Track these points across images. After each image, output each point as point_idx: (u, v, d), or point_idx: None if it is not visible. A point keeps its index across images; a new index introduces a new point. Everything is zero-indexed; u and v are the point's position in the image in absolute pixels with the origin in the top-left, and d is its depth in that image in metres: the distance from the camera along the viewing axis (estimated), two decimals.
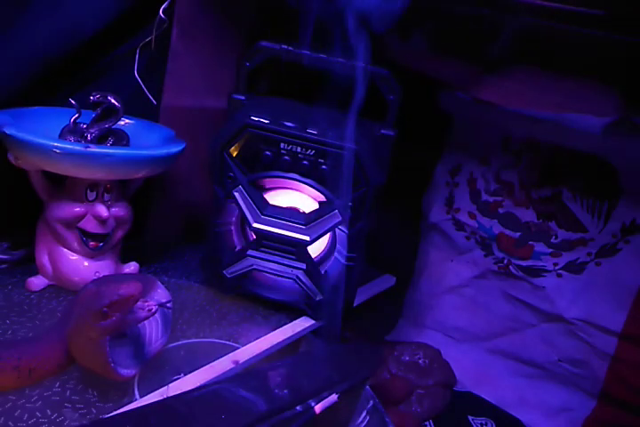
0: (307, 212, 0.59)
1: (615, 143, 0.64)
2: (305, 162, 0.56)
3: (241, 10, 0.71)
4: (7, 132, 0.50)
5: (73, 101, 0.56)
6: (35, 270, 0.59)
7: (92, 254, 0.58)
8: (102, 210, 0.55)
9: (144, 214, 0.71)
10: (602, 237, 0.68)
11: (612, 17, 0.53)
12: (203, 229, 0.63)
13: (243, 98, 0.58)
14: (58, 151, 0.49)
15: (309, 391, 0.42)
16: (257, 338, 0.57)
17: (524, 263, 0.74)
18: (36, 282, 0.58)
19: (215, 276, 0.63)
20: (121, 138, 0.59)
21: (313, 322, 0.62)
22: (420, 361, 0.78)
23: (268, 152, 0.56)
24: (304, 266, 0.60)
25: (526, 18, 0.63)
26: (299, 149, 0.55)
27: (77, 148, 0.50)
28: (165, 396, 0.45)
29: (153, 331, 0.49)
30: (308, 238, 0.58)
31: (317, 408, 0.41)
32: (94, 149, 0.51)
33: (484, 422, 0.74)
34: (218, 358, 0.52)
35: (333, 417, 0.47)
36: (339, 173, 0.56)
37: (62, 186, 0.57)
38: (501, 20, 0.68)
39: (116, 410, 0.44)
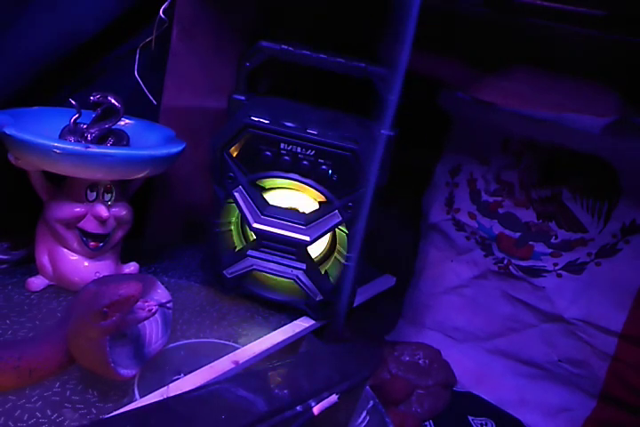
0: (307, 212, 0.59)
1: (615, 143, 0.64)
2: (305, 162, 0.56)
3: (241, 10, 0.71)
4: (7, 132, 0.50)
5: (73, 101, 0.56)
6: (35, 270, 0.59)
7: (92, 254, 0.58)
8: (102, 210, 0.55)
9: (144, 214, 0.71)
10: (602, 238, 0.68)
11: (611, 17, 0.53)
12: (203, 229, 0.63)
13: (243, 98, 0.58)
14: (58, 151, 0.49)
15: (309, 391, 0.42)
16: (257, 338, 0.57)
17: (523, 263, 0.74)
18: (36, 282, 0.58)
19: (215, 276, 0.63)
20: (121, 138, 0.59)
21: (313, 322, 0.62)
22: (420, 361, 0.78)
23: (268, 152, 0.56)
24: (304, 266, 0.60)
25: (526, 18, 0.63)
26: (299, 150, 0.55)
27: (77, 148, 0.50)
28: (165, 396, 0.45)
29: (153, 331, 0.49)
30: (308, 238, 0.58)
31: (316, 409, 0.41)
32: (94, 149, 0.51)
33: (483, 422, 0.74)
34: (218, 358, 0.52)
35: (333, 417, 0.47)
36: (339, 174, 0.56)
37: (62, 186, 0.57)
38: (501, 20, 0.68)
39: (116, 410, 0.44)
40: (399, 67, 0.46)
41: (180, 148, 0.57)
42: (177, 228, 0.77)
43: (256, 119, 0.55)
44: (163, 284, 0.53)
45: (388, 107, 0.53)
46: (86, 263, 0.58)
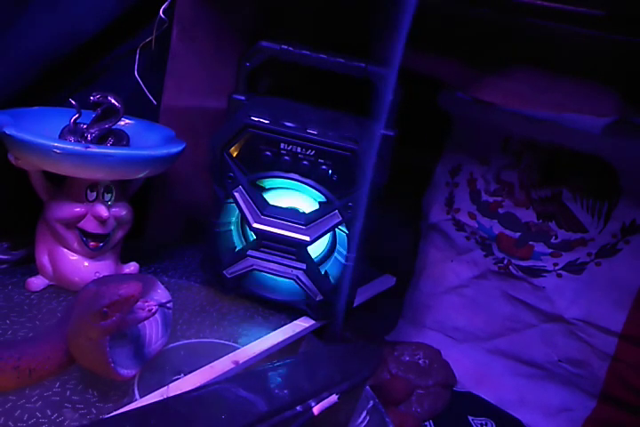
0: (307, 212, 0.59)
1: (615, 143, 0.64)
2: (305, 162, 0.56)
3: (241, 10, 0.71)
4: (7, 132, 0.50)
5: (73, 101, 0.56)
6: (35, 270, 0.59)
7: (92, 255, 0.58)
8: (102, 210, 0.55)
9: (144, 214, 0.71)
10: (602, 238, 0.68)
11: (611, 17, 0.53)
12: (203, 229, 0.63)
13: (243, 98, 0.58)
14: (58, 151, 0.49)
15: (309, 391, 0.42)
16: (257, 338, 0.57)
17: (523, 263, 0.74)
18: (36, 282, 0.58)
19: (215, 276, 0.63)
20: (121, 138, 0.59)
21: (313, 322, 0.62)
22: (420, 361, 0.78)
23: (268, 152, 0.56)
24: (304, 266, 0.60)
25: (526, 18, 0.63)
26: (299, 150, 0.55)
27: (77, 148, 0.50)
28: (165, 396, 0.45)
29: (153, 331, 0.49)
30: (308, 238, 0.58)
31: (316, 409, 0.41)
32: (94, 149, 0.51)
33: (483, 422, 0.74)
34: (218, 358, 0.52)
35: (333, 417, 0.47)
36: (339, 174, 0.56)
37: (62, 186, 0.57)
38: (501, 20, 0.68)
39: (116, 410, 0.44)
40: (393, 64, 0.46)
41: (179, 148, 0.57)
42: (177, 228, 0.77)
43: (256, 119, 0.55)
44: (163, 284, 0.53)
45: (388, 107, 0.53)
46: (86, 263, 0.58)
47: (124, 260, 0.63)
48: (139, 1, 0.63)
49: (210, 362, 0.51)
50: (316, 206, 0.59)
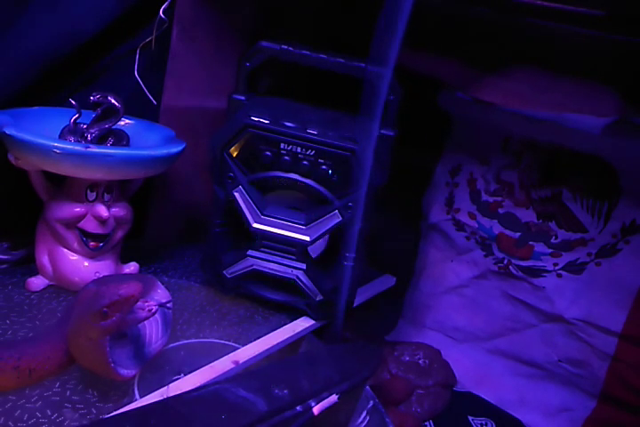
0: (307, 212, 0.59)
1: (615, 143, 0.64)
2: (305, 162, 0.56)
3: (241, 10, 0.71)
4: (7, 132, 0.50)
5: (73, 101, 0.56)
6: (35, 270, 0.59)
7: (92, 255, 0.58)
8: (102, 210, 0.55)
9: (144, 214, 0.71)
10: (602, 238, 0.68)
11: (611, 17, 0.53)
12: (203, 229, 0.63)
13: (243, 98, 0.58)
14: (58, 151, 0.49)
15: (309, 391, 0.42)
16: (257, 338, 0.57)
17: (523, 263, 0.74)
18: (36, 282, 0.58)
19: (215, 276, 0.63)
20: (121, 138, 0.59)
21: (313, 322, 0.62)
22: (420, 361, 0.78)
23: (268, 152, 0.56)
24: (304, 266, 0.60)
25: (526, 18, 0.63)
26: (299, 150, 0.55)
27: (77, 148, 0.50)
28: (165, 396, 0.45)
29: (153, 331, 0.49)
30: (308, 238, 0.58)
31: (316, 409, 0.41)
32: (94, 149, 0.51)
33: (483, 422, 0.74)
34: (218, 358, 0.52)
35: (333, 417, 0.47)
36: (339, 174, 0.56)
37: (62, 186, 0.57)
38: (501, 20, 0.68)
39: (116, 410, 0.44)
40: (389, 63, 0.46)
41: (179, 148, 0.58)
42: (177, 228, 0.77)
43: (256, 119, 0.55)
44: (163, 284, 0.53)
45: (387, 107, 0.54)
46: (86, 263, 0.58)
47: (124, 260, 0.63)
48: (139, 1, 0.63)
49: (210, 362, 0.51)
50: (316, 206, 0.59)
